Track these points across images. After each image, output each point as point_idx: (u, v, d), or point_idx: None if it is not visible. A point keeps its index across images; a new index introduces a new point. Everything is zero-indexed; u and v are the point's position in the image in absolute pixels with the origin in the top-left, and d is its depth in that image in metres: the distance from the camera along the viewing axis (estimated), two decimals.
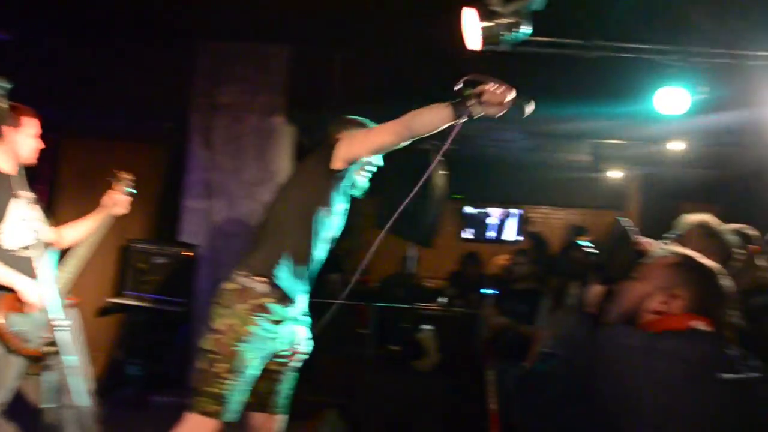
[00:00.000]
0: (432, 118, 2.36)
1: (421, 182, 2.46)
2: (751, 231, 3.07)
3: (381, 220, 4.86)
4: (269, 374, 2.77)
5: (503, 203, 10.68)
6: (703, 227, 2.29)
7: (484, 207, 10.75)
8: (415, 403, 4.54)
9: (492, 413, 4.02)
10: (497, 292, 4.94)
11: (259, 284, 2.57)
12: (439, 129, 2.38)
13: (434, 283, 8.21)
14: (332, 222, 2.71)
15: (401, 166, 5.54)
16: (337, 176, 2.62)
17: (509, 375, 4.17)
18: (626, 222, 1.72)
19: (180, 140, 5.37)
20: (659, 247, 1.75)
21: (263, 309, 2.57)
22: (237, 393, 2.53)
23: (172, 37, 5.15)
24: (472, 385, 5.09)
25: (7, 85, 2.20)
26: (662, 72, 4.94)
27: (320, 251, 2.71)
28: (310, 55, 5.08)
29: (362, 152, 2.57)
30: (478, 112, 2.27)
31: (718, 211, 2.78)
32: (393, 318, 6.04)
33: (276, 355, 2.74)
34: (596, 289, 1.71)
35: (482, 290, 4.87)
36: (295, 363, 2.84)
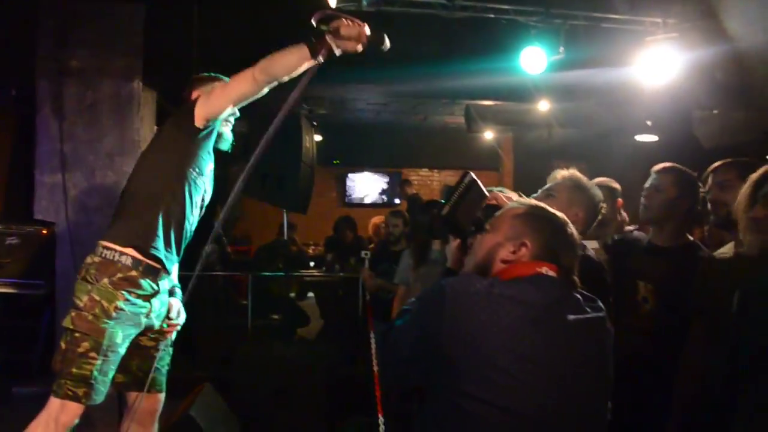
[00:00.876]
0: (289, 60, 2.29)
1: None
2: (614, 185, 3.23)
3: (251, 187, 4.73)
4: (143, 350, 2.64)
5: (382, 167, 10.78)
6: (572, 181, 2.35)
7: (363, 171, 10.79)
8: (297, 370, 4.50)
9: (375, 374, 4.05)
10: (373, 254, 4.94)
11: (125, 256, 2.42)
12: (299, 70, 2.29)
13: (315, 249, 8.17)
14: (203, 184, 2.59)
15: (268, 134, 5.41)
16: (201, 135, 2.51)
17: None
18: (474, 176, 1.71)
19: (28, 109, 4.93)
20: (512, 200, 1.77)
21: (131, 283, 2.43)
22: (104, 374, 2.38)
23: None
24: (357, 349, 5.13)
25: None
26: (525, 32, 5.08)
27: (194, 217, 2.60)
28: (166, 13, 4.79)
29: (222, 106, 2.46)
30: (336, 48, 2.21)
31: (585, 168, 2.90)
32: (273, 287, 5.95)
33: (149, 330, 2.61)
34: (453, 244, 1.72)
35: (360, 254, 4.85)
36: (170, 337, 2.72)
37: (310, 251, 9.14)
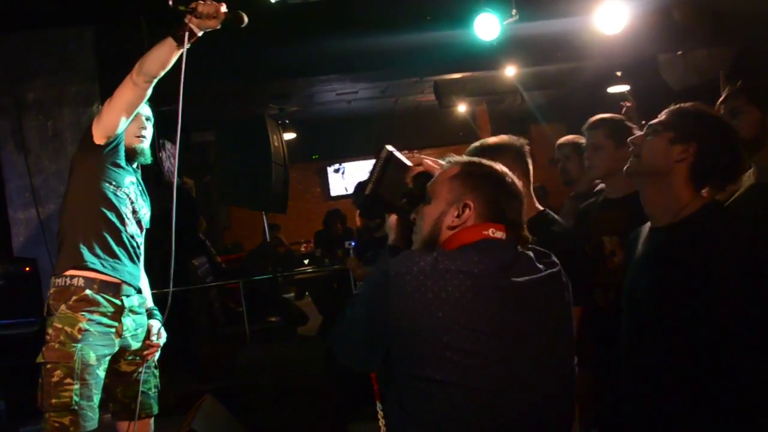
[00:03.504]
0: (159, 54, 2.33)
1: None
2: (579, 140, 3.21)
3: (224, 194, 4.70)
4: (124, 377, 2.64)
5: (361, 155, 10.75)
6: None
7: (342, 162, 10.77)
8: (300, 368, 4.49)
9: None
10: (356, 243, 4.93)
11: (75, 278, 2.44)
12: (172, 60, 2.34)
13: (307, 246, 8.16)
14: (126, 195, 2.60)
15: (236, 137, 5.39)
16: (106, 152, 2.53)
17: None
18: (391, 148, 1.62)
19: None
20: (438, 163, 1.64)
21: (88, 302, 2.44)
22: (87, 398, 2.38)
23: None
24: None
25: None
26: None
27: (132, 228, 2.61)
28: (117, 34, 4.73)
29: (113, 118, 2.47)
30: (197, 29, 2.25)
31: (565, 128, 2.87)
32: (265, 290, 5.93)
33: (127, 352, 2.61)
34: (390, 220, 1.64)
35: (345, 244, 4.84)
36: (152, 360, 2.71)
37: (302, 249, 9.13)
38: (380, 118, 9.64)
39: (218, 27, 2.25)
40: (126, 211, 2.59)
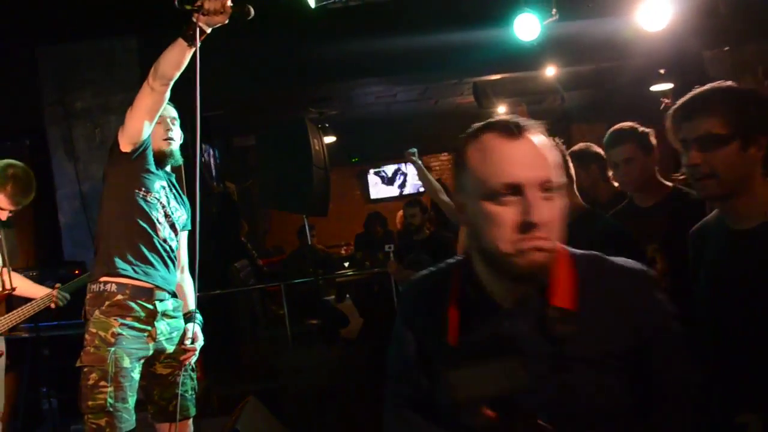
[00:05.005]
0: (171, 55, 2.35)
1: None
2: (594, 149, 3.20)
3: (266, 198, 4.75)
4: (160, 379, 2.70)
5: (400, 158, 10.74)
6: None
7: (382, 165, 10.77)
8: (342, 371, 4.52)
9: None
10: (398, 246, 4.93)
11: (109, 284, 2.52)
12: (185, 60, 2.35)
13: (347, 249, 8.18)
14: (157, 200, 2.65)
15: (278, 141, 5.44)
16: (134, 158, 2.57)
17: None
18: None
19: (42, 156, 5.05)
20: None
21: (121, 308, 2.51)
22: (122, 400, 2.44)
23: (10, 46, 4.81)
24: None
25: None
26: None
27: (165, 232, 2.65)
28: (159, 41, 4.83)
29: (135, 125, 2.51)
30: (206, 26, 2.24)
31: (606, 128, 2.84)
32: (306, 292, 5.98)
33: (162, 356, 2.66)
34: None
35: (385, 247, 4.85)
36: (189, 363, 2.75)
37: (342, 252, 9.17)
38: (419, 120, 9.61)
39: (226, 22, 2.24)
40: (158, 215, 2.63)
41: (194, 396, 2.77)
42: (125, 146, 2.55)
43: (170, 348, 2.67)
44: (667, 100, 3.70)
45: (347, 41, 5.08)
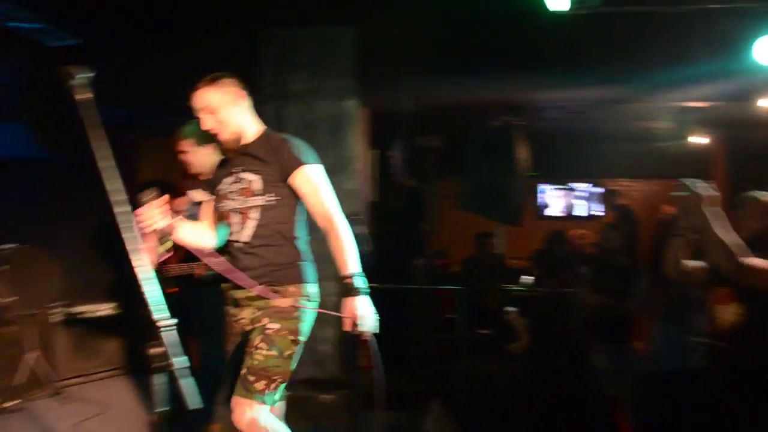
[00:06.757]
0: None
1: None
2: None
3: (464, 201, 4.68)
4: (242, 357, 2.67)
5: (580, 178, 10.31)
6: None
7: (559, 183, 10.41)
8: (516, 389, 4.37)
9: (609, 399, 3.85)
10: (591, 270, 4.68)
11: None
12: None
13: (517, 262, 7.94)
14: (218, 201, 2.81)
15: (483, 146, 5.35)
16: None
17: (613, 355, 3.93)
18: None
19: None
20: None
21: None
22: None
23: (234, 27, 5.10)
24: (570, 368, 4.87)
25: (90, 74, 2.08)
26: (758, 21, 4.58)
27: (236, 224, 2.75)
28: (379, 36, 4.92)
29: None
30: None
31: None
32: (478, 301, 5.85)
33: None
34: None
35: (577, 269, 4.62)
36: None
37: (510, 264, 8.93)
38: (606, 142, 9.15)
39: None
40: (226, 208, 2.75)
41: (247, 376, 2.59)
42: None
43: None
44: None
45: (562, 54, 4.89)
